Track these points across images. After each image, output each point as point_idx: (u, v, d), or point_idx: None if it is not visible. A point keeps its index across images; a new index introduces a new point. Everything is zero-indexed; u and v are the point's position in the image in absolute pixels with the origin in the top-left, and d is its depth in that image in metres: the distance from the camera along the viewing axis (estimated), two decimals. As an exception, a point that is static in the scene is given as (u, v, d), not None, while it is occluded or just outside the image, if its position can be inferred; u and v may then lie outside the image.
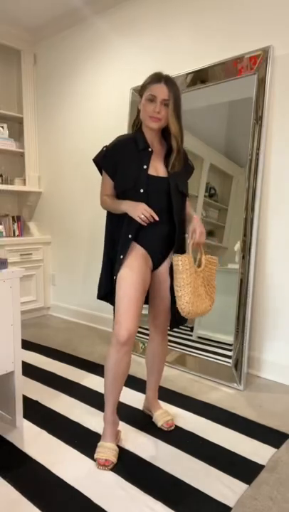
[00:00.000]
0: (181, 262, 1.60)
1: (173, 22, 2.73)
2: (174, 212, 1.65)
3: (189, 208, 1.79)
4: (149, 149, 1.65)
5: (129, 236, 1.61)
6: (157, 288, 1.75)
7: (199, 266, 1.70)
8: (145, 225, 1.58)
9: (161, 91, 1.54)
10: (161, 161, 1.67)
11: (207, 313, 1.70)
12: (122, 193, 1.66)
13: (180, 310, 1.63)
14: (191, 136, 2.65)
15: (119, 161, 1.63)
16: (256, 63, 2.30)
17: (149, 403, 1.93)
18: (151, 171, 1.63)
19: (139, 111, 1.66)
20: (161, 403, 1.96)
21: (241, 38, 2.39)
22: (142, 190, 1.60)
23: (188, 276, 1.60)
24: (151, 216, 1.55)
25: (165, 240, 1.68)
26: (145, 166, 1.61)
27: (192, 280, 1.62)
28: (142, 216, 1.54)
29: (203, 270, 1.70)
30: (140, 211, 1.55)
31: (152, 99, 1.55)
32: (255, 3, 2.32)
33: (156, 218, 1.57)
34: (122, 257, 1.62)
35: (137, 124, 1.71)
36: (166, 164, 1.66)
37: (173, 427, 1.83)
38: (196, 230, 1.67)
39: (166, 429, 1.82)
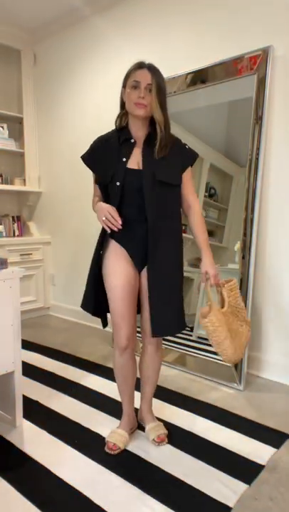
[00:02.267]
0: (209, 324, 1.54)
1: (173, 22, 2.73)
2: (146, 208, 1.52)
3: (203, 241, 1.62)
4: (132, 140, 1.58)
5: (107, 232, 1.57)
6: (142, 295, 1.66)
7: (223, 306, 1.60)
8: (109, 231, 1.53)
9: (144, 76, 1.50)
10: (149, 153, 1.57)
11: (250, 338, 1.67)
12: (104, 189, 1.63)
13: (229, 362, 1.64)
14: (191, 136, 2.65)
15: (100, 155, 1.61)
16: (256, 63, 2.30)
17: (143, 416, 1.82)
18: (132, 165, 1.55)
19: (123, 103, 1.59)
20: (161, 403, 1.96)
21: (241, 38, 2.39)
22: (118, 183, 1.54)
23: (222, 331, 1.53)
24: (115, 220, 1.47)
25: (144, 241, 1.56)
26: (124, 159, 1.55)
27: (226, 329, 1.54)
28: (104, 219, 1.49)
29: (229, 303, 1.60)
30: (102, 214, 1.49)
31: (136, 86, 1.51)
32: (255, 4, 2.32)
33: (119, 223, 1.48)
34: (101, 252, 1.63)
35: (121, 117, 1.63)
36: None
37: (165, 442, 1.70)
38: (209, 273, 1.60)
39: (156, 445, 1.69)
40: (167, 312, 1.57)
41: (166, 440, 1.72)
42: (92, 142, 1.69)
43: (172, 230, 1.61)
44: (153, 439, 1.71)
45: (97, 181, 1.68)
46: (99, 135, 1.71)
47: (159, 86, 1.51)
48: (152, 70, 1.52)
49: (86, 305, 1.71)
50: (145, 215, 1.54)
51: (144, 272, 1.61)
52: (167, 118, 1.55)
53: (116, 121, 1.65)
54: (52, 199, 3.82)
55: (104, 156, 1.60)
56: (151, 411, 1.82)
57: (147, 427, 1.77)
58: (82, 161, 1.70)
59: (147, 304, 1.61)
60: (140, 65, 1.53)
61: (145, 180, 1.53)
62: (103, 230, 1.64)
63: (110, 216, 1.49)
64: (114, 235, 1.59)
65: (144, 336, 1.70)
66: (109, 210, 1.50)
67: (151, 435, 1.73)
